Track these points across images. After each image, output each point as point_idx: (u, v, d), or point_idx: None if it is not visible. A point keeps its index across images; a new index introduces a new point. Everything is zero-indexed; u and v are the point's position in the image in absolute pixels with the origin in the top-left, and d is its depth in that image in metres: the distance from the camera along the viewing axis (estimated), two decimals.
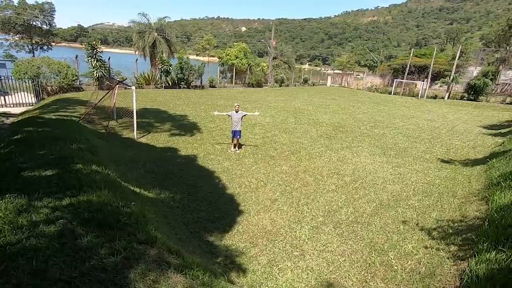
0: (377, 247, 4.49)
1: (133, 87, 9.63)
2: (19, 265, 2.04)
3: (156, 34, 27.50)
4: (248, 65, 30.79)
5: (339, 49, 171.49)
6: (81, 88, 17.97)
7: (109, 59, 18.95)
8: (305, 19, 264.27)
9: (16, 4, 29.98)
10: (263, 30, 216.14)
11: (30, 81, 14.80)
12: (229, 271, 3.69)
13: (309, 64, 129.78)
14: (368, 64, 73.94)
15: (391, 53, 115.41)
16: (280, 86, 32.45)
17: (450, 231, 4.74)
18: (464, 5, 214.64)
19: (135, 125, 9.54)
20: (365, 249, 4.44)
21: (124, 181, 5.14)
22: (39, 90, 15.20)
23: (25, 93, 14.45)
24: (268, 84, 32.16)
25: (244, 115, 9.10)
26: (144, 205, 4.05)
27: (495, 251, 3.23)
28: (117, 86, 10.12)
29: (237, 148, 9.11)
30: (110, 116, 11.05)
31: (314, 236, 4.75)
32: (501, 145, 10.70)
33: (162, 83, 22.42)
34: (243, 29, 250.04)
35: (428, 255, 4.17)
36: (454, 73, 29.37)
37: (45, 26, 31.71)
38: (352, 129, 13.27)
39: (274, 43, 35.28)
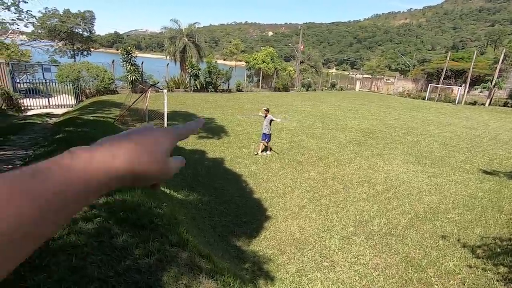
0: (414, 262, 4.20)
1: (165, 91, 9.95)
2: (60, 260, 2.11)
3: (186, 39, 28.39)
4: (275, 69, 30.78)
5: (369, 53, 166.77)
6: (116, 91, 18.93)
7: (142, 63, 19.83)
8: (333, 22, 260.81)
9: (61, 13, 32.39)
10: (290, 35, 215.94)
11: (71, 84, 15.85)
12: (257, 279, 3.61)
13: (336, 69, 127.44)
14: (399, 68, 71.19)
15: (425, 57, 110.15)
16: (307, 90, 32.08)
17: (498, 250, 4.32)
18: (507, 5, 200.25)
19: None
20: (400, 263, 4.16)
21: None
22: (78, 92, 16.22)
23: (66, 95, 15.50)
24: (295, 88, 31.93)
25: (272, 120, 8.82)
26: (174, 207, 4.10)
27: None
28: (149, 89, 10.51)
29: (264, 152, 9.02)
30: (143, 118, 11.49)
31: (344, 247, 4.54)
32: None
33: (191, 86, 23.03)
34: (270, 33, 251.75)
35: (473, 275, 3.82)
36: (497, 77, 27.32)
37: (85, 33, 33.93)
38: (383, 135, 12.73)
39: (302, 47, 35.02)
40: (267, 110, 8.75)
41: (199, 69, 22.98)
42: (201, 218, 5.06)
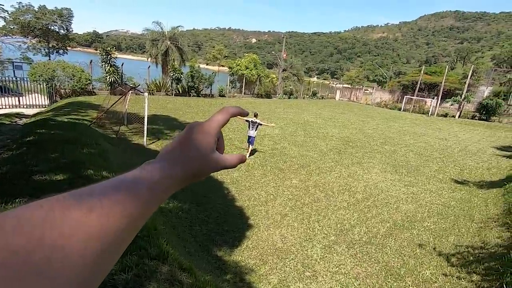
0: (393, 271, 4.27)
1: (146, 94, 9.69)
2: None
3: (169, 42, 28.00)
4: (258, 76, 31.00)
5: (348, 63, 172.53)
6: (94, 92, 18.23)
7: (122, 65, 19.27)
8: (315, 33, 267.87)
9: (36, 9, 30.96)
10: (273, 42, 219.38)
11: (44, 84, 15.06)
12: None
13: (317, 77, 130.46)
14: (377, 80, 74.04)
15: (400, 70, 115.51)
16: (289, 98, 32.51)
17: (471, 258, 4.50)
18: (475, 24, 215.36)
19: (145, 132, 9.53)
20: (380, 273, 4.23)
21: None
22: (52, 92, 15.44)
23: (39, 95, 14.69)
24: (277, 95, 32.27)
25: (260, 124, 9.10)
26: (154, 216, 3.94)
27: None
28: (129, 92, 10.19)
29: (248, 154, 9.13)
30: (121, 121, 11.10)
31: (326, 256, 4.55)
32: None
33: (172, 90, 22.64)
34: (254, 40, 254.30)
35: (448, 283, 3.94)
36: (466, 92, 29.08)
37: (62, 31, 32.59)
38: (362, 144, 13.08)
39: (285, 55, 35.57)
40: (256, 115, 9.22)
41: (182, 73, 22.68)
42: (182, 226, 4.90)
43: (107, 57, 17.98)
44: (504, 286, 3.26)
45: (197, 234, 4.84)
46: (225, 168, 0.44)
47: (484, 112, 27.73)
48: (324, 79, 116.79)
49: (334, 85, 49.80)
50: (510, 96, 31.48)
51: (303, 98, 35.04)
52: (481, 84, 36.34)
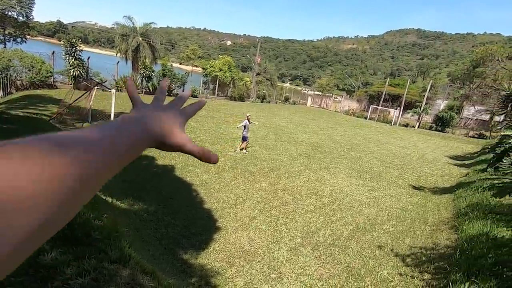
0: (354, 272, 4.48)
1: (113, 90, 9.27)
2: None
3: (140, 38, 27.06)
4: (232, 78, 31.00)
5: (320, 71, 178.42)
6: (55, 85, 17.05)
7: (88, 58, 18.26)
8: (289, 39, 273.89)
9: None
10: (248, 46, 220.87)
11: None
12: None
13: (290, 83, 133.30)
14: (346, 89, 77.40)
15: (368, 80, 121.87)
16: (262, 102, 32.84)
17: (423, 258, 4.85)
18: (434, 43, 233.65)
19: None
20: (342, 273, 4.40)
21: None
22: (7, 83, 14.21)
23: None
24: (250, 99, 32.45)
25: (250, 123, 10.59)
26: (116, 218, 3.77)
27: (468, 283, 3.32)
28: (95, 87, 9.69)
29: (245, 150, 10.50)
30: (84, 118, 10.49)
31: (292, 258, 4.65)
32: (466, 175, 11.38)
33: (143, 88, 21.87)
34: (229, 43, 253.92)
35: (403, 282, 4.21)
36: (425, 104, 31.39)
37: (21, 18, 30.11)
38: (330, 150, 13.57)
39: (259, 59, 35.95)
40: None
41: (153, 71, 22.01)
42: (146, 229, 4.74)
43: (72, 49, 16.94)
44: (450, 283, 3.56)
45: (162, 237, 4.70)
46: (187, 149, 0.44)
47: (440, 124, 30.06)
48: (297, 85, 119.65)
49: (306, 92, 51.19)
50: (462, 110, 34.54)
51: (276, 103, 35.59)
52: (438, 98, 39.54)
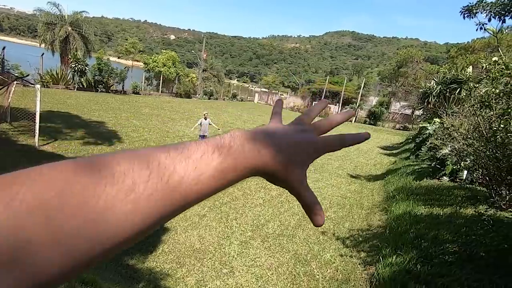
0: (301, 258, 4.77)
1: (38, 86, 8.19)
2: None
3: (70, 28, 24.33)
4: (177, 74, 29.87)
5: (266, 69, 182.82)
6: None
7: (3, 48, 15.76)
8: (235, 36, 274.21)
9: None
10: (193, 41, 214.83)
11: None
12: None
13: (237, 80, 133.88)
14: (291, 86, 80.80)
15: (310, 78, 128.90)
16: (209, 98, 32.38)
17: (360, 239, 5.39)
18: (366, 45, 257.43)
19: (37, 130, 8.04)
20: (290, 261, 4.66)
21: None
22: None
23: None
24: (197, 95, 31.74)
25: (210, 124, 9.75)
26: None
27: (395, 256, 3.82)
28: (14, 82, 8.45)
29: None
30: (2, 117, 9.09)
31: (243, 252, 4.75)
32: (394, 163, 12.91)
33: (74, 83, 19.74)
34: (172, 37, 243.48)
35: (343, 262, 4.63)
36: (359, 100, 34.55)
37: None
38: None
39: (205, 55, 35.30)
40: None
41: (86, 65, 19.99)
42: None
43: None
44: (381, 258, 4.05)
45: None
46: (301, 195, 0.37)
47: (372, 118, 33.42)
48: (244, 82, 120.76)
49: (253, 89, 52.00)
50: (390, 105, 38.91)
51: (223, 100, 35.45)
52: (370, 95, 43.78)
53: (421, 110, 20.19)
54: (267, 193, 7.59)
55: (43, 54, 19.36)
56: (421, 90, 18.31)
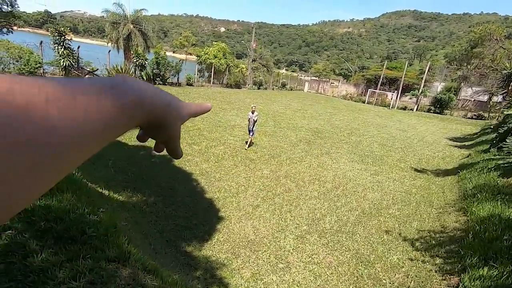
0: (363, 258, 4.35)
1: None
2: None
3: (131, 26, 26.24)
4: (227, 65, 30.34)
5: (316, 56, 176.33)
6: (45, 76, 16.44)
7: (78, 48, 17.62)
8: (283, 24, 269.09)
9: None
10: (242, 32, 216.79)
11: None
12: (210, 287, 3.32)
13: (286, 69, 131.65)
14: (342, 73, 76.56)
15: (364, 64, 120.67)
16: (259, 88, 32.34)
17: (433, 242, 4.73)
18: (430, 24, 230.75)
19: None
20: (351, 260, 4.27)
21: (91, 182, 4.57)
22: None
23: None
24: (247, 86, 31.93)
25: (255, 121, 9.38)
26: (114, 212, 3.56)
27: (487, 267, 3.19)
28: (87, 76, 9.30)
29: (248, 145, 9.52)
30: None
31: (299, 246, 4.51)
32: (468, 157, 11.27)
33: (136, 77, 21.27)
34: (222, 29, 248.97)
35: (414, 267, 4.08)
36: (423, 87, 31.11)
37: (5, 7, 28.93)
38: (330, 135, 13.37)
39: (254, 45, 35.18)
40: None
41: (146, 59, 21.37)
42: (147, 222, 4.54)
43: (61, 39, 16.29)
44: (467, 268, 3.43)
45: (163, 229, 4.52)
46: (174, 142, 0.44)
47: (438, 106, 29.89)
48: (293, 71, 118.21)
49: (302, 78, 50.58)
50: (460, 92, 34.32)
51: (273, 89, 35.10)
52: (435, 80, 39.15)
53: (503, 95, 17.26)
54: (321, 185, 7.18)
55: (109, 51, 21.23)
56: (504, 71, 15.61)
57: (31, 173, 0.20)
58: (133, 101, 0.31)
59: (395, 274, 3.97)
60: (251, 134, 9.48)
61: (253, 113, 9.29)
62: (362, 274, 3.97)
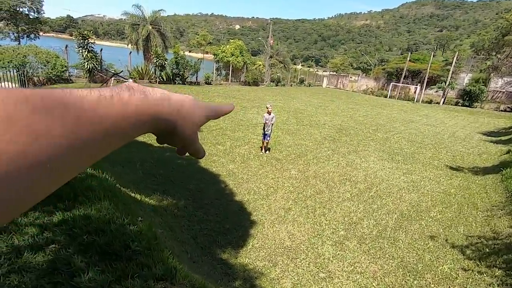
0: (410, 267, 4.03)
1: (130, 80, 8.94)
2: None
3: (150, 27, 26.59)
4: (244, 63, 30.16)
5: (332, 51, 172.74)
6: (71, 80, 16.96)
7: (101, 50, 17.99)
8: (298, 19, 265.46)
9: None
10: (257, 29, 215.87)
11: (14, 71, 13.78)
12: None
13: (302, 65, 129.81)
14: (361, 67, 74.42)
15: (383, 57, 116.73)
16: (277, 85, 31.96)
17: (487, 250, 4.32)
18: (453, 13, 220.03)
19: None
20: (397, 270, 3.96)
21: (122, 186, 4.50)
22: (25, 80, 14.18)
23: (9, 83, 13.43)
24: (265, 83, 31.62)
25: (272, 123, 8.24)
26: (150, 219, 3.44)
27: None
28: (112, 78, 9.39)
29: (264, 151, 8.60)
30: None
31: (338, 254, 4.24)
32: (508, 153, 10.50)
33: (156, 77, 21.55)
34: (237, 27, 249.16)
35: (471, 279, 3.72)
36: (450, 78, 29.57)
37: (32, 14, 30.15)
38: (356, 132, 12.88)
39: (272, 41, 34.76)
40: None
41: (166, 59, 21.56)
42: (179, 227, 4.43)
43: (84, 42, 16.67)
44: None
45: (197, 234, 4.39)
46: (194, 146, 0.42)
47: (467, 99, 28.35)
48: (309, 67, 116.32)
49: (321, 73, 49.58)
50: (489, 82, 32.37)
51: (291, 86, 34.59)
52: (462, 71, 37.17)
53: None
54: (353, 186, 6.85)
55: (130, 52, 21.61)
56: None
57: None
58: (135, 110, 0.30)
59: (450, 287, 3.63)
60: (267, 138, 8.34)
61: (269, 114, 8.10)
62: (411, 285, 3.66)
